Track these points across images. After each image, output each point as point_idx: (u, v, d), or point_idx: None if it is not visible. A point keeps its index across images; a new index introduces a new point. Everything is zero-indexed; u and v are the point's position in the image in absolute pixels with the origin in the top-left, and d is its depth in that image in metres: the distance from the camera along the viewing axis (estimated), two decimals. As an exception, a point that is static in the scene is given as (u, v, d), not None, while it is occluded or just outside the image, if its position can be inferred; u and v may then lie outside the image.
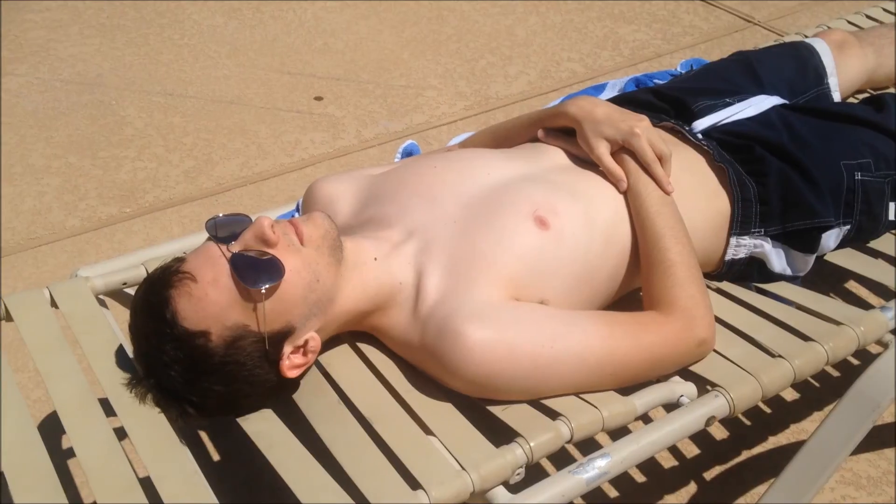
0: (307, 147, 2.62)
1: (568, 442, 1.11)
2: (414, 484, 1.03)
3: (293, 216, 1.47)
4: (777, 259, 1.39)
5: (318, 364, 1.21)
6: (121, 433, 1.09)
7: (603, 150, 1.31)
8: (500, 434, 1.11)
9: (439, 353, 1.12)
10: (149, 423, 1.08)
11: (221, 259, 1.06)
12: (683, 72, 1.86)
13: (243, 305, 1.05)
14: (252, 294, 1.05)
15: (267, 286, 1.05)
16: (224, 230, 1.11)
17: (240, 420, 1.13)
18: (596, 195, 1.30)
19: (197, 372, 1.06)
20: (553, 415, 1.13)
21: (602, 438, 1.20)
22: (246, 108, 2.79)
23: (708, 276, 1.43)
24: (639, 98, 1.55)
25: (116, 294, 1.39)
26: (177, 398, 1.08)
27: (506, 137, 1.47)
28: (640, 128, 1.30)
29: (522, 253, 1.19)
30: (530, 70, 3.02)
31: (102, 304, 1.33)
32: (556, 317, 1.16)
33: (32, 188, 2.43)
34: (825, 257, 1.46)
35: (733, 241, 1.38)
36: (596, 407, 1.14)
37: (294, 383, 1.16)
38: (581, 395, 1.16)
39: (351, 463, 1.05)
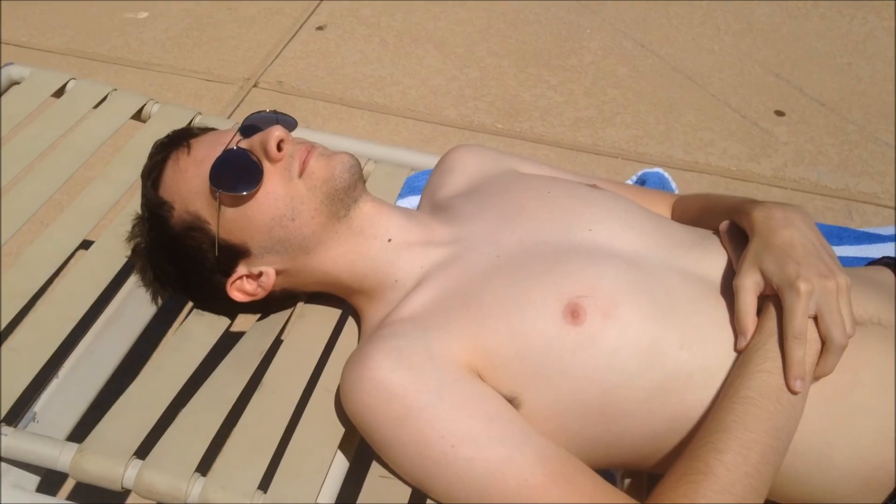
0: (712, 153, 2.26)
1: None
2: (205, 472, 0.88)
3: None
4: None
5: (295, 312, 1.08)
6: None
7: (748, 284, 0.87)
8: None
9: (346, 366, 0.91)
10: (108, 256, 1.10)
11: (221, 147, 0.98)
12: None
13: (208, 199, 0.97)
14: (214, 193, 0.96)
15: (226, 192, 0.95)
16: (265, 125, 1.02)
17: (195, 310, 1.08)
18: (696, 330, 0.88)
19: (154, 239, 1.03)
20: (414, 525, 0.85)
21: None
22: (696, 90, 2.49)
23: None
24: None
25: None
26: (145, 254, 1.07)
27: (705, 211, 1.08)
28: (813, 285, 0.83)
29: (520, 333, 0.87)
30: None
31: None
32: (495, 419, 0.85)
33: (454, 71, 2.54)
34: None
35: (888, 526, 0.83)
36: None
37: (256, 307, 1.06)
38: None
39: (187, 416, 0.93)
